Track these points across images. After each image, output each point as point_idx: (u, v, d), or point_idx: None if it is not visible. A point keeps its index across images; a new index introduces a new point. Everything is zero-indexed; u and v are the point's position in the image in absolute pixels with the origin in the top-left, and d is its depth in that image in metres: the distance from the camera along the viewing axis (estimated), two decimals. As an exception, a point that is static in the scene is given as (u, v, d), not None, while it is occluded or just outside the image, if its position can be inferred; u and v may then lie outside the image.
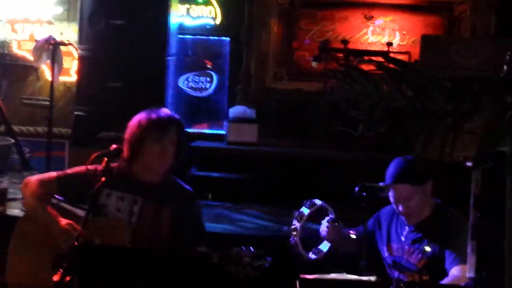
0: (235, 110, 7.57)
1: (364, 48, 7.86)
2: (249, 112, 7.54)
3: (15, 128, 7.63)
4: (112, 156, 3.85)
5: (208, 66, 7.76)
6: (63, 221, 3.85)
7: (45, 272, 3.80)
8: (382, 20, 7.92)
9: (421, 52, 7.01)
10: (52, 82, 6.37)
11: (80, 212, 3.93)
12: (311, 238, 4.14)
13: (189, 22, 7.93)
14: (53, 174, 4.14)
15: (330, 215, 4.11)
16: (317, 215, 4.11)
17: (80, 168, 4.04)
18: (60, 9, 8.01)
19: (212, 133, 7.72)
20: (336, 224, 4.03)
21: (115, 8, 6.95)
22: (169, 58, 7.08)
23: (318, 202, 4.09)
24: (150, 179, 3.99)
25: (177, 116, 4.11)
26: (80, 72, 7.06)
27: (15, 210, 5.52)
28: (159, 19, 6.96)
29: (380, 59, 6.99)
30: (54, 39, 6.42)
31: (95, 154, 3.78)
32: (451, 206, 3.95)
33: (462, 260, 3.43)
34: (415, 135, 2.21)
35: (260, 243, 4.91)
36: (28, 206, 4.13)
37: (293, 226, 4.03)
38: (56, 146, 7.43)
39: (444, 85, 2.13)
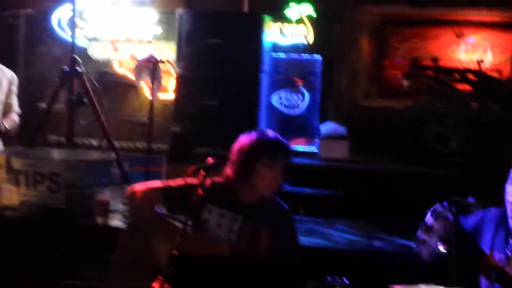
0: (327, 127, 7.73)
1: (454, 66, 7.89)
2: (340, 129, 7.68)
3: (116, 143, 7.92)
4: (209, 169, 3.83)
5: (298, 84, 7.93)
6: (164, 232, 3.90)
7: (145, 282, 3.74)
8: (473, 37, 7.94)
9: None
10: (152, 99, 6.65)
11: (179, 224, 4.13)
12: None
13: (282, 41, 8.12)
14: (158, 183, 4.20)
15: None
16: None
17: (181, 181, 4.09)
18: (159, 30, 8.33)
19: (303, 150, 7.86)
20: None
21: (211, 28, 7.26)
22: (263, 75, 7.31)
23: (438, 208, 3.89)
24: (252, 199, 4.02)
25: (285, 140, 4.10)
26: (177, 90, 7.36)
27: (116, 222, 5.72)
28: (254, 39, 7.23)
29: (471, 76, 7.08)
30: (154, 58, 6.72)
31: (193, 168, 3.81)
32: None
33: None
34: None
35: (351, 257, 5.09)
36: (132, 214, 4.26)
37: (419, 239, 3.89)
38: (153, 161, 7.69)
39: None
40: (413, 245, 3.88)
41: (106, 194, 5.69)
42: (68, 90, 7.30)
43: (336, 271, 4.00)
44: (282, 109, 8.04)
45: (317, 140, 7.69)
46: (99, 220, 5.52)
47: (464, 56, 7.93)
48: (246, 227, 4.00)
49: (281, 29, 8.13)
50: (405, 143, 7.57)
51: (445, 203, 3.68)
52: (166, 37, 8.41)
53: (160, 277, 3.43)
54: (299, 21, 8.16)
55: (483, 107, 2.37)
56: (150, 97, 8.26)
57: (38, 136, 7.51)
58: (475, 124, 7.22)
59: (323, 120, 7.96)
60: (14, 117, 5.78)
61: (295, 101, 8.02)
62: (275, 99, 8.01)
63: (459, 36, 7.95)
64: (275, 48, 7.93)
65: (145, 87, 8.40)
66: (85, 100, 7.20)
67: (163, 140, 7.87)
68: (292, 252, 4.01)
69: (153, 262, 3.90)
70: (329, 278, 3.29)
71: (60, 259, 5.40)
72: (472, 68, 7.67)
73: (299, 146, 7.88)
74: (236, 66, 7.17)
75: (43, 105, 8.44)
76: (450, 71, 7.66)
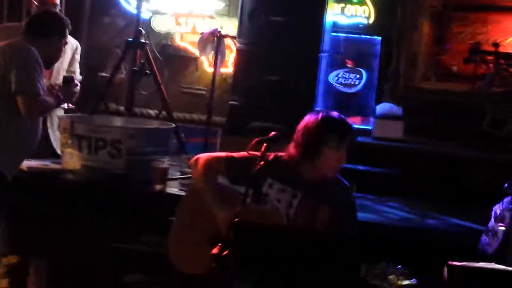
0: (382, 107, 7.80)
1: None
2: (396, 109, 7.74)
3: (174, 114, 8.08)
4: (271, 142, 3.95)
5: (349, 65, 7.99)
6: (223, 212, 4.00)
7: (204, 248, 3.96)
8: None
9: None
10: (214, 73, 6.78)
11: (239, 195, 4.13)
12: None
13: (343, 21, 8.20)
14: (222, 154, 4.31)
15: None
16: None
17: (244, 153, 4.15)
18: (221, 5, 8.45)
19: (359, 128, 7.94)
20: None
21: (274, 6, 7.31)
22: (322, 54, 7.39)
23: None
24: (314, 178, 4.10)
25: (349, 121, 4.17)
26: (237, 64, 7.47)
27: (173, 189, 5.89)
28: (316, 17, 7.26)
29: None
30: (219, 32, 6.84)
31: (256, 140, 3.92)
32: None
33: None
34: None
35: (404, 233, 5.18)
36: (195, 181, 4.30)
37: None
38: (210, 133, 7.85)
39: None
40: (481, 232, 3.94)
41: (165, 162, 5.84)
42: (131, 61, 7.47)
43: (389, 248, 4.12)
44: (339, 87, 8.12)
45: (372, 119, 7.75)
46: (158, 187, 5.68)
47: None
48: (305, 203, 4.08)
49: (342, 8, 8.20)
50: (460, 126, 7.62)
51: (505, 185, 3.70)
52: (228, 12, 8.52)
53: (220, 243, 3.51)
54: (362, 2, 8.21)
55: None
56: (209, 70, 8.49)
57: (100, 104, 7.71)
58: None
59: (379, 100, 8.03)
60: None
61: (352, 80, 8.10)
62: (332, 78, 8.10)
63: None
64: (335, 27, 7.98)
65: (204, 61, 8.54)
66: (147, 71, 7.36)
67: (220, 113, 7.99)
68: (350, 230, 4.06)
69: (211, 229, 4.03)
70: (384, 263, 3.30)
71: (119, 223, 5.57)
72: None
73: (354, 124, 7.94)
74: (296, 44, 7.22)
75: (105, 74, 8.64)
76: (510, 57, 7.66)
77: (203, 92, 8.70)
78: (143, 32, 7.41)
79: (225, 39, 7.48)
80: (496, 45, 7.69)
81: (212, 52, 6.86)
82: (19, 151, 5.13)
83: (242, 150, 4.24)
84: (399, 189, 6.71)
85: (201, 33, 7.29)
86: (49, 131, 6.47)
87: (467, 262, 3.16)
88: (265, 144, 3.96)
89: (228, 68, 8.34)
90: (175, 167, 6.44)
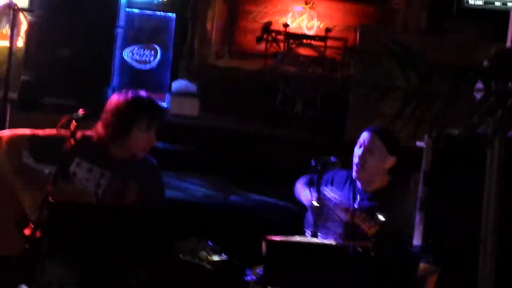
0: (178, 84, 7.88)
1: (301, 33, 8.25)
2: (191, 86, 7.86)
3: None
4: (80, 120, 3.90)
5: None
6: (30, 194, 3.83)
7: (10, 231, 3.78)
8: (300, 6, 8.31)
9: (359, 39, 7.46)
10: (10, 47, 6.50)
11: (47, 174, 4.14)
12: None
13: (137, -4, 8.17)
14: (26, 131, 4.07)
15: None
16: None
17: (52, 131, 3.97)
18: (10, -24, 8.09)
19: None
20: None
21: (68, -22, 7.18)
22: (116, 29, 7.33)
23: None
24: (122, 157, 4.01)
25: (158, 101, 4.10)
26: (28, 38, 7.22)
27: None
28: (110, -7, 7.22)
29: (318, 43, 7.41)
30: (15, 4, 6.55)
31: (65, 118, 3.71)
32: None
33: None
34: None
35: (211, 210, 5.29)
36: None
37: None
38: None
39: (446, 72, 2.49)
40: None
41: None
42: None
43: (197, 225, 4.19)
44: (134, 64, 8.09)
45: (168, 96, 7.81)
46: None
47: (292, 23, 8.24)
48: (113, 182, 3.99)
49: (137, -15, 8.17)
50: (254, 103, 7.87)
51: (312, 162, 3.89)
52: (16, -16, 8.18)
53: (30, 224, 3.45)
54: (155, -22, 8.23)
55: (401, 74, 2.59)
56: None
57: None
58: (320, 89, 7.64)
59: (174, 77, 8.10)
60: None
61: (147, 56, 8.10)
62: (127, 54, 8.05)
63: (308, 3, 8.28)
64: (130, 3, 7.93)
65: (-7, 34, 8.17)
66: None
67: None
68: (158, 204, 4.04)
69: (17, 209, 3.83)
70: (194, 240, 3.36)
71: None
72: (319, 35, 8.07)
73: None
74: (91, 19, 7.09)
75: None
76: (298, 37, 8.01)
77: (-12, 68, 8.31)
78: None
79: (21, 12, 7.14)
80: (286, 25, 8.00)
81: (7, 25, 6.56)
82: None
83: (34, 126, 4.09)
84: (197, 166, 6.82)
85: (-6, 6, 6.95)
86: None
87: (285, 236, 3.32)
88: (74, 122, 3.84)
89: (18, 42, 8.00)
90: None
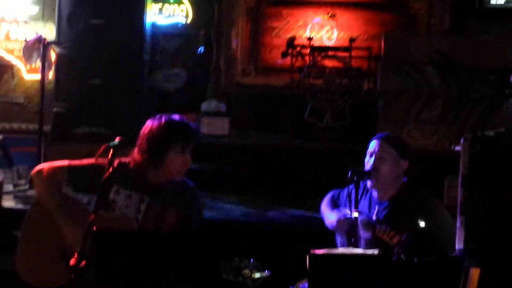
0: (207, 105, 7.96)
1: (326, 45, 8.31)
2: (220, 106, 7.94)
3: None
4: (117, 147, 3.82)
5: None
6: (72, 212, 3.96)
7: (56, 262, 3.90)
8: (318, 17, 8.37)
9: (384, 48, 7.48)
10: (42, 80, 6.62)
11: (87, 205, 4.11)
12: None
13: (161, 21, 8.25)
14: (65, 162, 4.17)
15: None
16: None
17: (91, 160, 4.07)
18: (36, 9, 8.23)
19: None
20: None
21: (93, 8, 7.27)
22: (144, 55, 7.43)
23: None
24: (160, 181, 4.09)
25: (192, 124, 4.17)
26: (58, 70, 7.34)
27: (9, 202, 5.75)
28: (136, 19, 7.31)
29: (343, 53, 7.48)
30: (44, 39, 6.68)
31: (103, 147, 3.80)
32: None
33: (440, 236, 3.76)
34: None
35: (251, 227, 5.32)
36: (38, 193, 4.18)
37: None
38: (29, 142, 7.64)
39: (487, 77, 2.54)
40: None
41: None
42: None
43: (238, 243, 4.23)
44: (162, 87, 8.18)
45: (197, 117, 7.88)
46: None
47: (311, 35, 8.29)
48: (152, 207, 4.08)
49: (160, 9, 8.26)
50: (282, 118, 7.92)
51: (349, 173, 3.92)
52: (42, 17, 8.33)
53: (75, 254, 3.46)
54: (179, 1, 8.31)
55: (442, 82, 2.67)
56: (27, 78, 8.29)
57: None
58: (349, 99, 7.68)
59: (202, 98, 8.17)
60: None
61: (174, 79, 8.18)
62: (155, 78, 8.14)
63: (332, 16, 8.35)
64: (155, 27, 8.03)
65: (22, 68, 8.31)
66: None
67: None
68: (197, 228, 4.12)
69: (61, 240, 3.96)
70: (237, 260, 3.36)
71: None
72: (343, 46, 8.12)
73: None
74: (118, 46, 7.23)
75: None
76: (323, 50, 8.05)
77: (21, 101, 8.46)
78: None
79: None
80: (310, 38, 8.05)
81: (39, 59, 6.69)
82: None
83: (69, 157, 4.20)
84: (231, 185, 6.87)
85: (25, 41, 7.08)
86: None
87: (328, 249, 3.35)
88: (112, 150, 3.91)
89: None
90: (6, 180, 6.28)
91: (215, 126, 7.75)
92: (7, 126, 8.42)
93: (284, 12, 8.41)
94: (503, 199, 3.00)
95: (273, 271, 3.33)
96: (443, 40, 7.42)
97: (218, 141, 7.55)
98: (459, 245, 3.04)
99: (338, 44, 8.30)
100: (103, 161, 3.94)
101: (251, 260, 3.37)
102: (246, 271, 3.33)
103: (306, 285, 3.23)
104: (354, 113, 7.72)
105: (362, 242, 3.97)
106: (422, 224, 3.63)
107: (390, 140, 4.13)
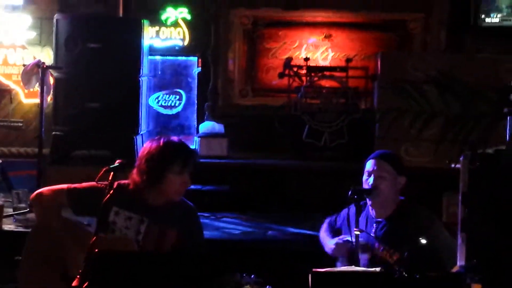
0: (205, 126, 8.01)
1: (323, 65, 8.37)
2: (218, 127, 7.98)
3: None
4: (118, 170, 3.84)
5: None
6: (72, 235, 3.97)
7: (55, 283, 3.90)
8: (314, 38, 8.44)
9: (381, 67, 7.54)
10: (41, 104, 6.65)
11: (87, 226, 4.16)
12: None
13: (158, 44, 8.30)
14: (64, 186, 4.19)
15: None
16: None
17: (92, 183, 4.06)
18: (33, 34, 8.27)
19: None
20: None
21: (91, 32, 7.35)
22: (141, 78, 7.47)
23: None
24: (159, 202, 4.11)
25: (190, 145, 4.27)
26: (56, 93, 7.39)
27: (9, 226, 5.77)
28: (133, 42, 7.37)
29: (340, 73, 7.55)
30: (43, 63, 6.72)
31: (104, 169, 3.79)
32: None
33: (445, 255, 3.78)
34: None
35: (252, 246, 5.35)
36: (39, 218, 4.22)
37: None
38: (28, 165, 7.66)
39: (488, 95, 2.58)
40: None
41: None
42: None
43: (239, 263, 4.24)
44: (160, 109, 8.22)
45: (196, 138, 7.92)
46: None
47: (306, 56, 8.33)
48: (152, 228, 4.09)
49: (157, 32, 8.30)
50: (280, 138, 7.96)
51: (349, 192, 3.95)
52: (39, 41, 8.38)
53: (77, 276, 3.45)
54: (176, 24, 8.36)
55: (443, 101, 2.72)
56: (25, 102, 8.32)
57: None
58: (345, 119, 7.73)
59: (200, 119, 8.21)
60: None
61: (172, 101, 8.22)
62: (153, 100, 8.18)
63: (327, 37, 8.41)
64: (152, 50, 8.08)
65: (20, 92, 8.34)
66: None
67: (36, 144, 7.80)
68: (197, 248, 4.13)
69: (61, 263, 3.95)
70: (238, 275, 3.45)
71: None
72: (340, 66, 8.18)
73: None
74: (115, 69, 7.31)
75: None
76: (320, 70, 8.10)
77: (20, 124, 8.48)
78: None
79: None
80: (307, 59, 8.11)
81: (37, 84, 6.72)
82: None
83: (68, 180, 4.23)
84: (230, 205, 6.91)
85: (24, 65, 7.12)
86: None
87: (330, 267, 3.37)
88: (112, 173, 3.93)
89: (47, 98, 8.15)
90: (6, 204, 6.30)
91: (213, 147, 7.79)
92: (5, 150, 8.44)
93: (281, 33, 8.47)
94: (504, 216, 3.02)
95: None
96: (439, 58, 7.49)
97: (216, 162, 7.56)
98: (460, 261, 3.06)
99: (334, 64, 8.35)
100: (102, 183, 3.93)
101: (252, 276, 3.40)
102: (247, 287, 3.37)
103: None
104: (352, 133, 7.76)
105: (362, 263, 3.98)
106: (423, 241, 3.64)
107: (387, 157, 4.17)
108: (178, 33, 8.34)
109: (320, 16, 8.46)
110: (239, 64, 8.49)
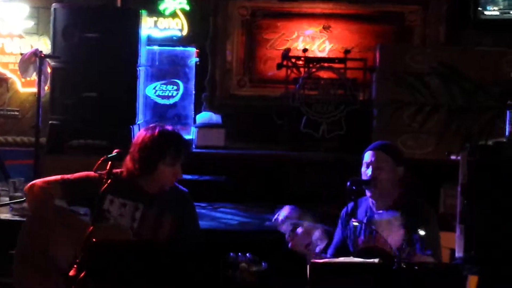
0: (202, 116, 8.00)
1: (321, 56, 8.35)
2: (215, 117, 7.97)
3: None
4: (115, 159, 3.88)
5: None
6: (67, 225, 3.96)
7: (53, 274, 3.91)
8: (311, 30, 8.42)
9: (380, 59, 7.52)
10: (38, 93, 6.63)
11: (84, 216, 4.13)
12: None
13: (156, 34, 8.27)
14: (57, 177, 4.20)
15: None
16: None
17: (86, 173, 4.14)
18: (30, 23, 8.24)
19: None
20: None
21: (88, 22, 7.33)
22: (139, 68, 7.45)
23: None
24: (153, 189, 4.14)
25: (183, 135, 4.23)
26: (53, 83, 7.37)
27: (5, 215, 5.78)
28: (131, 32, 7.36)
29: (338, 65, 7.52)
30: (41, 52, 6.70)
31: (102, 159, 3.83)
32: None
33: (430, 247, 3.80)
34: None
35: (249, 237, 5.34)
36: (32, 209, 4.20)
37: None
38: (25, 154, 7.65)
39: (492, 89, 2.58)
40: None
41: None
42: None
43: (236, 252, 4.23)
44: (158, 100, 8.20)
45: (193, 129, 7.91)
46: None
47: (304, 47, 8.28)
48: (147, 215, 4.11)
49: (155, 22, 8.28)
50: (278, 129, 7.95)
51: (348, 183, 3.95)
52: (37, 31, 8.35)
53: (75, 265, 3.49)
54: (174, 15, 8.33)
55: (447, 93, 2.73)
56: (22, 91, 8.30)
57: None
58: (344, 110, 7.72)
59: (198, 109, 8.20)
60: None
61: (170, 91, 8.20)
62: (150, 91, 8.16)
63: (326, 28, 8.38)
64: (150, 40, 8.06)
65: (16, 81, 8.32)
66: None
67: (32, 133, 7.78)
68: (193, 234, 4.17)
69: (56, 254, 3.94)
70: (231, 255, 3.45)
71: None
72: (339, 57, 8.16)
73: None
74: (113, 59, 7.29)
75: None
76: (318, 61, 8.09)
77: (16, 113, 8.46)
78: None
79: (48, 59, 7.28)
80: (305, 50, 8.08)
81: (35, 73, 6.71)
82: None
83: (65, 169, 4.26)
84: (227, 195, 6.91)
85: (21, 54, 7.09)
86: None
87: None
88: (110, 162, 3.92)
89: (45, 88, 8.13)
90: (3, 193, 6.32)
91: (211, 138, 7.79)
92: (2, 139, 8.42)
93: (279, 24, 8.44)
94: (502, 208, 3.02)
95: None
96: (438, 51, 7.48)
97: (213, 152, 7.56)
98: (458, 253, 3.06)
99: (332, 55, 8.32)
100: (94, 173, 4.01)
101: (247, 254, 3.41)
102: (243, 265, 3.39)
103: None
104: (349, 124, 7.75)
105: None
106: (421, 232, 3.64)
107: (385, 148, 4.17)
108: (176, 23, 8.30)
109: (319, 7, 8.42)
110: (237, 55, 8.46)
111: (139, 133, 4.22)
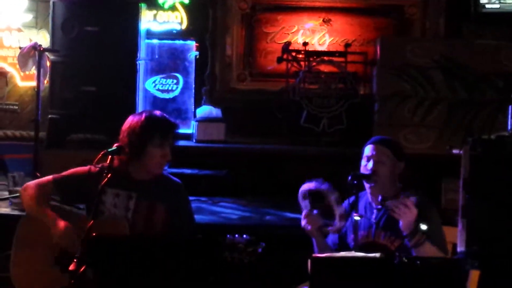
0: (202, 110, 7.97)
1: (322, 50, 8.32)
2: (215, 111, 7.95)
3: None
4: (116, 153, 3.94)
5: None
6: (62, 223, 4.04)
7: (48, 270, 4.02)
8: (311, 23, 8.39)
9: (380, 52, 7.49)
10: (38, 87, 6.61)
11: (78, 211, 4.25)
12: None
13: (156, 27, 8.23)
14: (49, 177, 4.26)
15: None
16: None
17: (80, 169, 4.20)
18: (29, 16, 8.21)
19: (179, 132, 8.03)
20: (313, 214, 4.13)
21: (88, 15, 7.30)
22: (138, 62, 7.43)
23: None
24: (144, 177, 4.17)
25: (172, 118, 4.26)
26: (53, 76, 7.35)
27: (5, 210, 5.79)
28: (130, 25, 7.33)
29: (339, 59, 7.50)
30: (40, 45, 6.68)
31: (102, 153, 3.87)
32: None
33: (434, 242, 3.79)
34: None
35: (250, 231, 5.31)
36: (28, 210, 4.25)
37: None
38: (24, 149, 7.64)
39: (495, 81, 2.56)
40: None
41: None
42: None
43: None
44: (157, 94, 8.18)
45: (193, 123, 7.89)
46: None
47: (304, 41, 8.26)
48: (141, 203, 4.15)
49: (154, 15, 8.24)
50: (278, 123, 7.92)
51: (349, 177, 3.95)
52: (36, 24, 8.32)
53: (75, 260, 3.49)
54: (173, 8, 8.30)
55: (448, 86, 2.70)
56: (21, 85, 8.28)
57: None
58: (344, 104, 7.70)
59: (198, 103, 8.18)
60: None
61: (169, 85, 8.18)
62: (150, 84, 8.14)
63: (326, 22, 8.36)
64: (149, 34, 8.03)
65: (16, 75, 8.29)
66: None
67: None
68: (187, 222, 4.22)
69: (54, 250, 4.04)
70: (229, 236, 3.50)
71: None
72: (339, 51, 8.13)
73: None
74: (112, 53, 7.26)
75: None
76: (318, 54, 8.06)
77: (15, 107, 8.44)
78: None
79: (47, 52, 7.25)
80: (305, 43, 8.06)
81: (34, 66, 6.68)
82: None
83: (64, 163, 4.33)
84: (228, 189, 6.90)
85: (20, 48, 7.07)
86: None
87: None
88: (110, 156, 3.93)
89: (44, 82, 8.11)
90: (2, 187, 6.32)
91: (211, 132, 7.77)
92: (1, 133, 8.41)
93: (279, 17, 8.41)
94: (505, 202, 3.01)
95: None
96: (439, 44, 7.46)
97: (214, 146, 7.54)
98: (460, 247, 3.05)
99: (332, 49, 8.30)
100: (83, 169, 4.17)
101: (245, 236, 3.45)
102: (241, 246, 3.42)
103: (307, 288, 3.24)
104: (350, 118, 7.74)
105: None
106: (423, 227, 3.63)
107: (386, 142, 4.17)
108: (176, 17, 8.27)
109: (319, 0, 8.40)
110: (237, 49, 8.43)
111: (128, 120, 4.26)
